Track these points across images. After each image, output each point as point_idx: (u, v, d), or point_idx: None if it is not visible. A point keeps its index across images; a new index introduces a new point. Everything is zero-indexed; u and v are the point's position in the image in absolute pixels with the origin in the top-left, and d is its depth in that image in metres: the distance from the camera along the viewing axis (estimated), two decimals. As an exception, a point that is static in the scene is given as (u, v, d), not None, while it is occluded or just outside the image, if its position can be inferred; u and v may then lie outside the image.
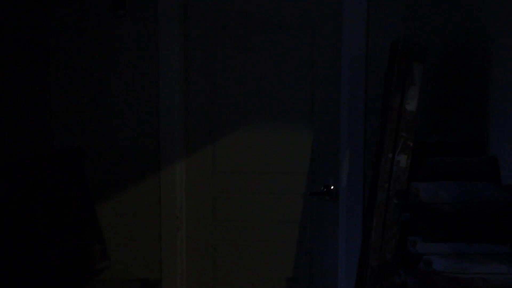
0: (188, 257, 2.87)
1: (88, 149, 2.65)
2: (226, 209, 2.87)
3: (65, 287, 2.07)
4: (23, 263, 1.91)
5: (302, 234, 2.82)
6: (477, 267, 1.57)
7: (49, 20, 2.69)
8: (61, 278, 2.06)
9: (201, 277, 2.96)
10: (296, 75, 2.75)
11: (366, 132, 2.55)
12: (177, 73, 2.70)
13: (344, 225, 2.65)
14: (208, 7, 2.78)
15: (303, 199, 2.80)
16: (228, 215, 2.87)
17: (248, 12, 2.77)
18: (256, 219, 2.86)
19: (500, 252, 1.73)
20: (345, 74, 2.57)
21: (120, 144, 2.73)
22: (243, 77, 2.79)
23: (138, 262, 2.73)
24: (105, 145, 2.73)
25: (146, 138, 2.72)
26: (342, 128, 2.62)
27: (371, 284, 2.00)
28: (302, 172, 2.79)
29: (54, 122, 2.73)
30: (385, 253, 1.97)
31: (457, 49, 2.45)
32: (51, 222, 2.12)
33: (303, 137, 2.77)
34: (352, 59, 2.54)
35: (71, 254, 2.13)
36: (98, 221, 2.31)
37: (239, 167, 2.84)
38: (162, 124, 2.71)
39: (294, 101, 2.77)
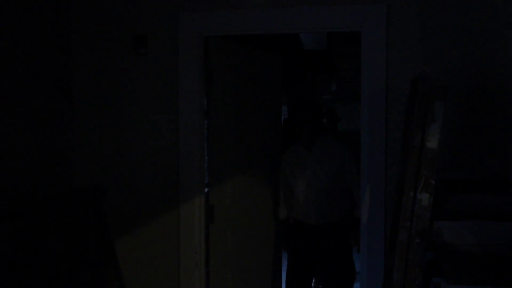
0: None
1: (109, 185, 2.66)
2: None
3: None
4: (42, 302, 1.91)
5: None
6: (505, 314, 1.50)
7: (73, 59, 2.75)
8: (79, 317, 2.05)
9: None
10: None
11: (387, 168, 2.51)
12: (196, 110, 2.71)
13: (366, 263, 2.59)
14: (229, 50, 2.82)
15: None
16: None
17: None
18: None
19: (529, 297, 1.66)
20: (365, 112, 2.55)
21: (140, 180, 2.74)
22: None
23: (157, 299, 2.71)
24: (125, 181, 2.74)
25: (166, 174, 2.73)
26: (363, 164, 2.59)
27: (394, 326, 1.94)
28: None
29: (76, 159, 2.76)
30: (408, 295, 1.91)
31: (479, 85, 2.41)
32: (70, 260, 2.12)
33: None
34: (371, 96, 2.52)
35: (89, 292, 2.13)
36: (117, 258, 2.30)
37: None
38: (181, 159, 2.71)
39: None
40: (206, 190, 2.89)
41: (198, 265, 2.75)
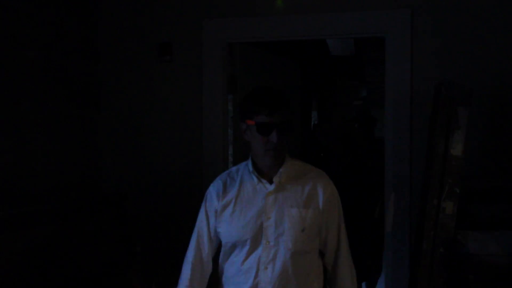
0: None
1: (134, 191, 2.69)
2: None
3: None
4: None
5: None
6: (531, 328, 1.45)
7: (101, 67, 2.81)
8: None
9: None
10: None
11: (411, 176, 2.46)
12: (220, 117, 2.71)
13: (390, 272, 2.54)
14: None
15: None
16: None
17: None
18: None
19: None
20: (389, 118, 2.51)
21: (165, 184, 2.77)
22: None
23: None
24: (150, 184, 2.77)
25: (190, 178, 2.74)
26: (387, 171, 2.54)
27: (418, 338, 1.89)
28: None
29: (103, 164, 2.80)
30: (431, 306, 1.86)
31: (506, 90, 2.34)
32: (95, 265, 2.15)
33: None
34: (396, 102, 2.48)
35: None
36: (141, 263, 2.33)
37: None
38: (205, 168, 2.71)
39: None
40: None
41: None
